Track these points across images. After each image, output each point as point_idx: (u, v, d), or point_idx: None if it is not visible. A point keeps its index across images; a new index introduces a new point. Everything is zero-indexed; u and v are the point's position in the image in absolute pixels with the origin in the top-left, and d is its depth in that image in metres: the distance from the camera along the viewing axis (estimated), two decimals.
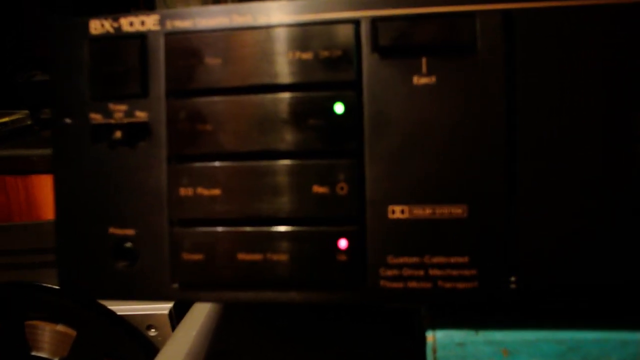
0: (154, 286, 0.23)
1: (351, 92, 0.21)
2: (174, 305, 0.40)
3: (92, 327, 0.38)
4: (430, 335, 0.23)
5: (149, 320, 0.39)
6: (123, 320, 0.38)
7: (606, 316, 0.23)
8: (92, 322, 0.38)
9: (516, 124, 0.21)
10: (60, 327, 0.39)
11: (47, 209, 0.81)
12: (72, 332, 0.39)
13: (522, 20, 0.21)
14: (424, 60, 0.21)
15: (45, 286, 0.38)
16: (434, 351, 0.23)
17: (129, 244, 0.23)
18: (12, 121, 0.89)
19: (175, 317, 0.40)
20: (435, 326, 0.23)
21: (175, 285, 0.23)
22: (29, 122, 0.91)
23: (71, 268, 0.24)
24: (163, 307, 0.40)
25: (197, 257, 0.22)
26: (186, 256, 0.22)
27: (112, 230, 0.23)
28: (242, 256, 0.22)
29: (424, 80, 0.21)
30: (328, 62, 0.21)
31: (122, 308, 0.39)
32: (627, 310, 0.23)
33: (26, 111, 0.92)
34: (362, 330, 0.35)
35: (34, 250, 0.50)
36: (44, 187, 0.81)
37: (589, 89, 0.20)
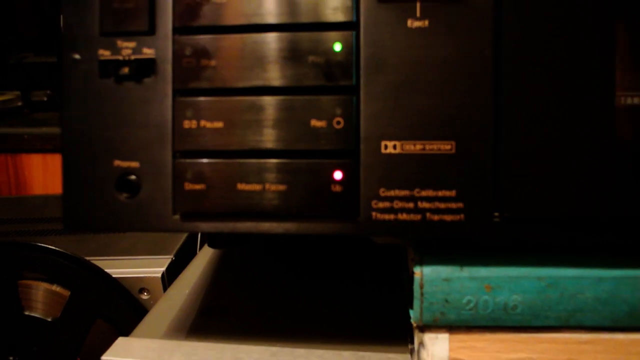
0: (156, 217, 0.24)
1: (350, 32, 0.22)
2: (167, 268, 0.41)
3: (86, 287, 0.39)
4: (418, 271, 0.24)
5: (141, 283, 0.40)
6: (116, 282, 0.39)
7: (583, 254, 0.24)
8: (85, 283, 0.38)
9: (502, 65, 0.22)
10: (54, 287, 0.39)
11: (36, 187, 0.81)
12: (66, 293, 0.39)
13: None
14: (418, 5, 0.22)
15: (40, 245, 0.38)
16: (421, 286, 0.24)
17: (132, 177, 0.24)
18: (2, 102, 0.90)
19: (168, 281, 0.40)
20: (423, 263, 0.24)
21: (176, 217, 0.24)
22: (19, 104, 0.92)
23: (76, 201, 0.25)
24: (156, 270, 0.40)
25: (199, 187, 0.23)
26: (188, 186, 0.23)
27: (117, 162, 0.24)
28: (241, 186, 0.23)
29: (417, 24, 0.22)
30: (328, 4, 0.22)
31: (116, 271, 0.40)
32: (604, 247, 0.24)
33: (17, 92, 0.93)
34: (352, 284, 0.36)
35: (23, 220, 0.51)
36: (33, 166, 0.81)
37: (570, 32, 0.22)
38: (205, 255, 0.41)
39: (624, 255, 0.25)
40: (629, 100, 0.23)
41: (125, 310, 0.39)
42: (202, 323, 0.32)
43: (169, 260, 0.42)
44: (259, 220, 0.23)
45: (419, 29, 0.22)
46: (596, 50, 0.22)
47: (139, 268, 0.40)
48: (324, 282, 0.37)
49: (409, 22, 0.22)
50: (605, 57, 0.22)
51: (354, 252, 0.40)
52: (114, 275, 0.39)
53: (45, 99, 0.88)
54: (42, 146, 0.79)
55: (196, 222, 0.24)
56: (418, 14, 0.22)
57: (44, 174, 0.81)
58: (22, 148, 0.81)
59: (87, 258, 0.39)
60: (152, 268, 0.41)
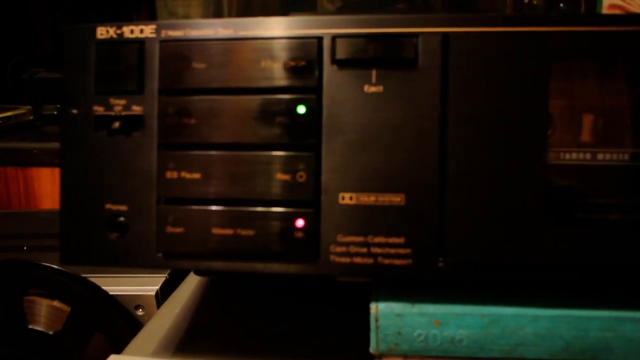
0: (142, 255, 0.27)
1: (312, 96, 0.25)
2: (161, 287, 0.44)
3: (85, 303, 0.42)
4: (373, 307, 0.27)
5: (137, 301, 0.43)
6: (114, 299, 0.42)
7: (522, 293, 0.27)
8: (85, 299, 0.42)
9: (447, 128, 0.25)
10: (56, 303, 0.43)
11: (45, 200, 0.85)
12: (67, 308, 0.42)
13: (456, 41, 0.25)
14: (373, 72, 0.25)
15: (44, 264, 0.42)
16: (376, 320, 0.27)
17: (121, 218, 0.27)
18: (15, 115, 0.93)
19: (162, 298, 0.43)
20: (378, 299, 0.27)
21: (160, 255, 0.27)
22: (31, 117, 0.96)
23: (71, 238, 0.28)
24: (151, 288, 0.43)
25: (179, 230, 0.26)
26: (169, 229, 0.26)
27: (108, 206, 0.27)
28: (216, 231, 0.26)
29: (373, 89, 0.25)
30: (294, 71, 0.25)
31: (113, 288, 0.43)
32: (539, 286, 0.27)
33: (29, 107, 0.97)
34: (331, 309, 0.39)
35: (31, 235, 0.54)
36: (43, 179, 0.85)
37: (507, 100, 0.25)
38: (196, 276, 0.44)
39: (560, 294, 0.27)
40: (560, 158, 0.26)
41: (121, 325, 0.42)
42: (188, 342, 0.35)
43: (163, 279, 0.45)
44: (231, 260, 0.26)
45: (374, 93, 0.25)
46: (530, 113, 0.24)
47: (135, 286, 0.44)
48: (307, 305, 0.40)
49: (366, 87, 0.25)
50: (538, 118, 0.24)
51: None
52: (111, 293, 0.42)
53: (55, 112, 0.92)
54: (51, 160, 0.82)
55: (177, 260, 0.27)
56: (373, 80, 0.25)
57: (52, 188, 0.84)
58: (33, 162, 0.84)
59: (87, 275, 0.42)
60: (147, 286, 0.44)
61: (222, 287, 0.43)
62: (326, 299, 0.41)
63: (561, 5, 0.85)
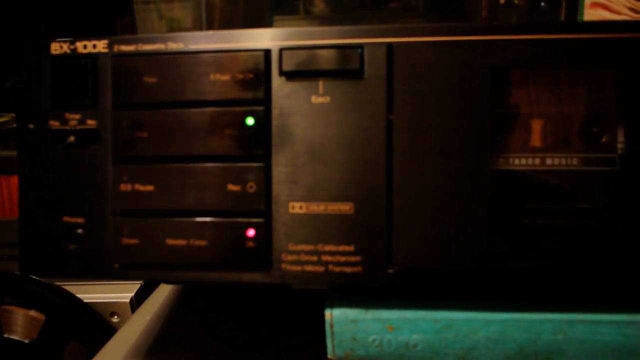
0: (100, 267, 0.28)
1: (260, 108, 0.26)
2: (135, 294, 0.44)
3: (60, 312, 0.42)
4: (328, 313, 0.28)
5: (112, 308, 0.44)
6: (88, 306, 0.43)
7: (474, 298, 0.28)
8: (59, 308, 0.42)
9: (393, 137, 0.25)
10: (32, 312, 0.43)
11: None
12: (42, 317, 0.43)
13: (400, 52, 0.25)
14: (320, 83, 0.26)
15: (19, 275, 0.42)
16: (331, 326, 0.28)
17: (79, 230, 0.28)
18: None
19: (137, 305, 0.44)
20: (333, 305, 0.28)
21: (117, 266, 0.27)
22: (14, 125, 0.96)
23: (30, 249, 0.28)
24: (125, 296, 0.44)
25: (134, 241, 0.27)
26: (125, 241, 0.27)
27: (65, 218, 0.28)
28: (170, 242, 0.26)
29: (320, 100, 0.26)
30: (242, 83, 0.26)
31: (88, 296, 0.44)
32: (492, 290, 0.28)
33: (12, 114, 0.97)
34: (304, 313, 0.39)
35: (8, 245, 0.54)
36: None
37: (452, 108, 0.25)
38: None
39: (512, 298, 0.28)
40: (510, 163, 0.26)
41: (97, 332, 0.43)
42: (158, 349, 0.36)
43: (138, 286, 0.45)
44: (185, 270, 0.27)
45: (321, 104, 0.26)
46: (474, 120, 0.25)
47: (110, 293, 0.44)
48: (279, 311, 0.40)
49: (313, 98, 0.26)
50: (482, 126, 0.25)
51: None
52: (85, 300, 0.43)
53: None
54: None
55: (134, 271, 0.27)
56: (321, 91, 0.26)
57: None
58: (16, 169, 0.84)
59: (61, 284, 0.43)
60: (121, 293, 0.44)
61: (195, 294, 0.43)
62: (299, 303, 0.41)
63: (542, 4, 0.85)
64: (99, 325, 0.43)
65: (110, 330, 0.43)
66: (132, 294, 0.44)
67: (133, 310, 0.44)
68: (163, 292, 0.43)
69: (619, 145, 0.27)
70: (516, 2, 0.82)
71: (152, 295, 0.43)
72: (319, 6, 0.90)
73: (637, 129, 0.26)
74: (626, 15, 0.66)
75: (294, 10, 0.92)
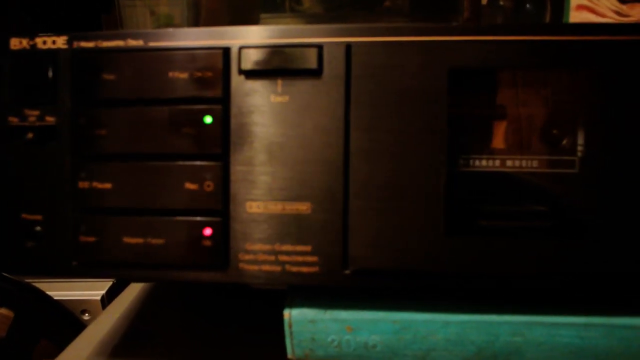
0: (59, 264, 0.27)
1: (218, 106, 0.26)
2: (107, 291, 0.44)
3: (29, 309, 0.42)
4: (287, 313, 0.28)
5: (83, 305, 0.43)
6: (59, 304, 0.42)
7: (435, 299, 0.28)
8: (29, 305, 0.42)
9: (350, 137, 0.25)
10: (1, 310, 0.43)
11: None
12: (11, 314, 0.42)
13: (358, 51, 0.25)
14: (279, 82, 0.26)
15: None
16: (290, 326, 0.28)
17: (38, 228, 0.27)
18: None
19: (108, 302, 0.44)
20: (292, 305, 0.28)
21: (75, 263, 0.27)
22: None
23: None
24: (96, 293, 0.44)
25: (92, 239, 0.27)
26: (83, 238, 0.27)
27: (24, 215, 0.27)
28: (127, 240, 0.26)
29: (279, 99, 0.26)
30: (200, 82, 0.26)
31: (58, 293, 0.43)
32: (451, 292, 0.27)
33: None
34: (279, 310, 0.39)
35: None
36: None
37: (409, 108, 0.25)
38: None
39: (470, 300, 0.28)
40: (470, 165, 0.26)
41: (67, 330, 0.42)
42: (125, 347, 0.36)
43: (110, 283, 0.45)
44: (143, 269, 0.27)
45: (280, 103, 0.26)
46: (430, 122, 0.25)
47: (81, 291, 0.44)
48: (253, 308, 0.40)
49: (272, 97, 0.26)
50: (438, 127, 0.25)
51: None
52: (56, 298, 0.43)
53: None
54: None
55: (92, 269, 0.27)
56: (279, 90, 0.26)
57: None
58: None
59: (31, 281, 0.43)
60: (93, 291, 0.44)
61: (167, 290, 0.43)
62: (272, 300, 0.41)
63: (527, 5, 0.85)
64: (70, 322, 0.42)
65: (81, 328, 0.43)
66: (103, 292, 0.44)
67: (104, 307, 0.43)
68: (134, 290, 0.43)
69: (579, 148, 0.27)
70: (501, 3, 0.82)
71: (123, 292, 0.43)
72: (305, 4, 0.90)
73: (598, 131, 0.26)
74: (611, 18, 0.66)
75: (280, 8, 0.92)
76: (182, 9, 1.03)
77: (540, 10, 0.83)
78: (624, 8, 0.69)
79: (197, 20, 0.97)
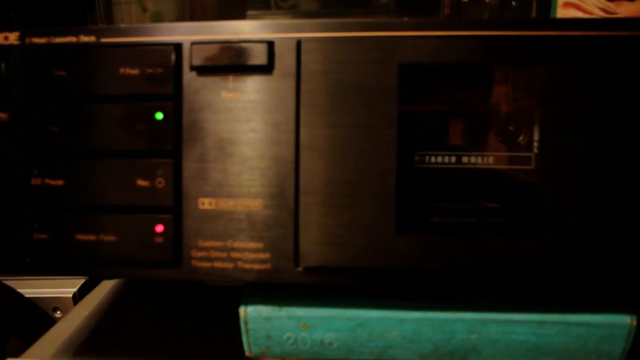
0: (13, 262, 0.27)
1: (170, 103, 0.25)
2: (79, 289, 0.44)
3: (0, 307, 0.42)
4: (242, 310, 0.27)
5: (55, 303, 0.43)
6: (30, 301, 0.42)
7: (390, 296, 0.27)
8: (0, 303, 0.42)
9: (299, 134, 0.25)
10: None
11: None
12: None
13: (308, 47, 0.25)
14: (230, 78, 0.25)
15: None
16: (246, 323, 0.28)
17: None
18: None
19: (79, 299, 0.44)
20: (248, 302, 0.28)
21: (29, 261, 0.27)
22: None
23: None
24: (68, 291, 0.44)
25: (44, 236, 0.26)
26: (35, 236, 0.27)
27: None
28: (80, 237, 0.26)
29: (230, 95, 0.25)
30: (151, 78, 0.25)
31: (30, 291, 0.43)
32: (407, 289, 0.27)
33: None
34: None
35: None
36: None
37: (359, 104, 0.25)
38: None
39: (426, 297, 0.28)
40: (426, 161, 0.26)
41: (39, 328, 0.42)
42: (91, 344, 0.36)
43: (82, 281, 0.45)
44: (97, 266, 0.26)
45: (231, 99, 0.25)
46: (381, 118, 0.25)
47: (52, 288, 0.44)
48: (225, 303, 0.40)
49: (223, 94, 0.25)
50: (389, 123, 0.25)
51: None
52: (27, 295, 0.42)
53: None
54: None
55: (47, 267, 0.27)
56: (230, 86, 0.25)
57: None
58: None
59: (2, 278, 0.43)
60: (64, 288, 0.44)
61: (138, 287, 0.43)
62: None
63: (513, 3, 0.85)
64: (41, 320, 0.42)
65: (52, 326, 0.43)
66: (75, 289, 0.44)
67: (76, 305, 0.43)
68: (106, 287, 0.43)
69: (535, 144, 0.26)
70: (487, 0, 0.82)
71: (95, 289, 0.43)
72: (290, 1, 0.90)
73: (555, 128, 0.25)
74: (598, 16, 0.65)
75: (266, 4, 0.91)
76: (172, 5, 1.03)
77: (526, 7, 0.83)
78: (611, 6, 0.69)
79: (191, 16, 0.97)
